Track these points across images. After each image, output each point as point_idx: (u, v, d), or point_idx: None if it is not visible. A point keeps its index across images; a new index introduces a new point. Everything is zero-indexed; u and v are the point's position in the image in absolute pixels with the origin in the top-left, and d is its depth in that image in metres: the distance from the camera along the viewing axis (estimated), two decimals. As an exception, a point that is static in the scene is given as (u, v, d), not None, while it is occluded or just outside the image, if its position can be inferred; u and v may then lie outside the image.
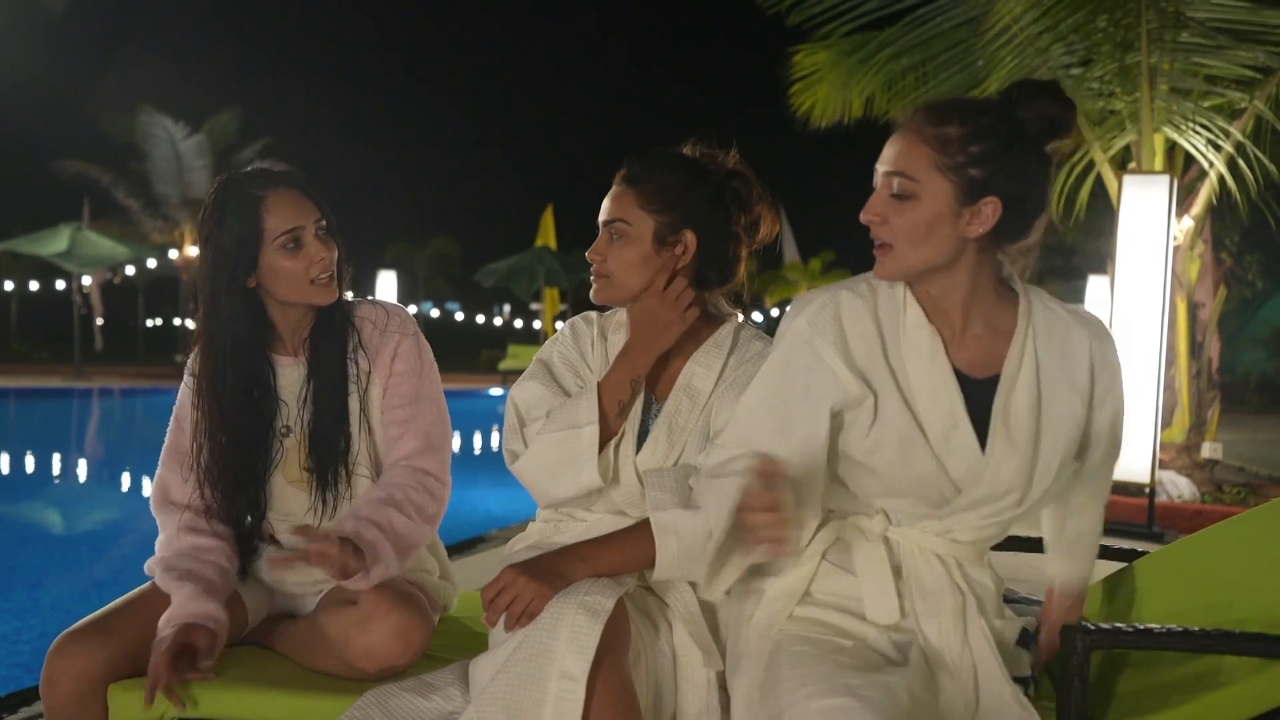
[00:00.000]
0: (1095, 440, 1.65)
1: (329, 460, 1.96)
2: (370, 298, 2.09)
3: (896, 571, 1.60)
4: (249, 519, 1.98)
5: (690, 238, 1.83)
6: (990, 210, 1.52)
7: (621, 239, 1.83)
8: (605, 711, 1.50)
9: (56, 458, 9.62)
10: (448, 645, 1.96)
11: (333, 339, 1.98)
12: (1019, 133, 1.52)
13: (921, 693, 1.45)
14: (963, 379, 1.58)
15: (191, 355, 2.00)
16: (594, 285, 1.88)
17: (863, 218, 1.56)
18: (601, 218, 1.87)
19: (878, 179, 1.56)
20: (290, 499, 1.98)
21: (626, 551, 1.69)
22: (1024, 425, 1.57)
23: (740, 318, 1.95)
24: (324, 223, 1.93)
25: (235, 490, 1.95)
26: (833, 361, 1.59)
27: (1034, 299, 1.62)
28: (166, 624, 1.78)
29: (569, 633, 1.51)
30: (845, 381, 1.59)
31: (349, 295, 2.07)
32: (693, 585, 1.76)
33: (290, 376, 1.98)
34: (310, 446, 1.96)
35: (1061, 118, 1.53)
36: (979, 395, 1.58)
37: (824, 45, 7.67)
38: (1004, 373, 1.58)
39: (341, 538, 1.76)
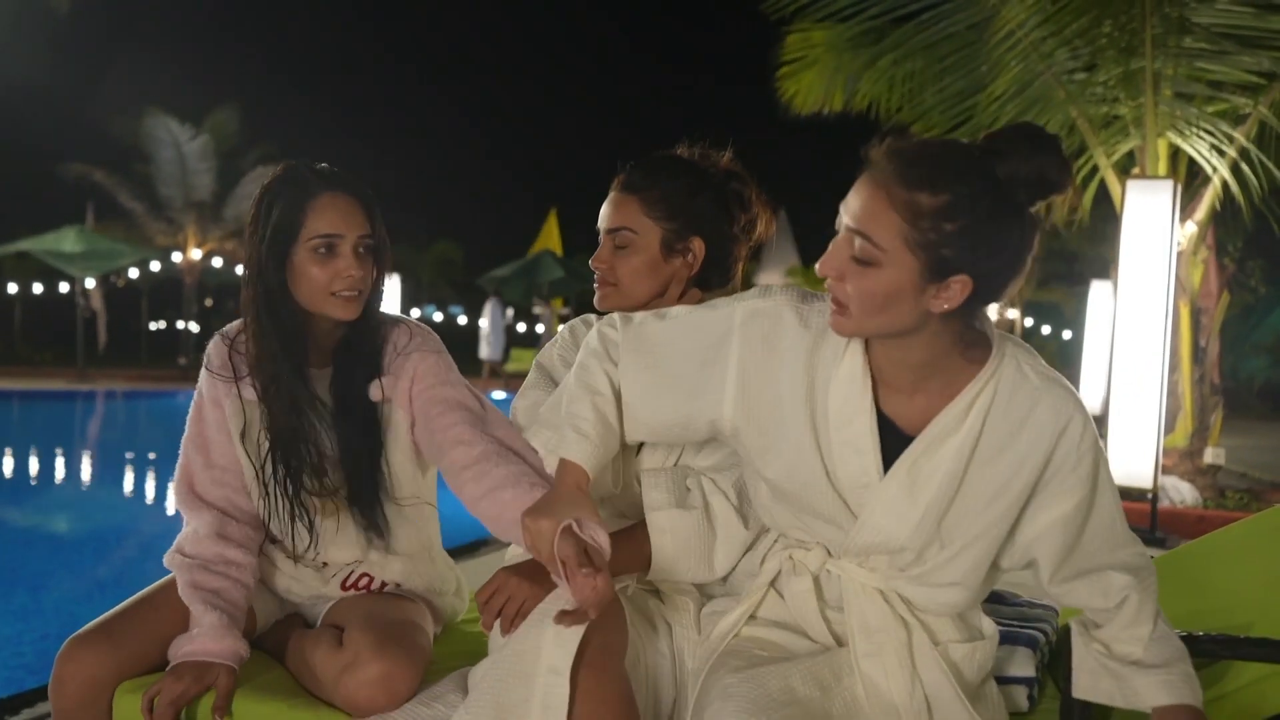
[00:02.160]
0: (1040, 546, 1.47)
1: (348, 484, 1.88)
2: (397, 316, 1.99)
3: (838, 607, 1.56)
4: (282, 531, 1.92)
5: (699, 245, 1.83)
6: (959, 288, 1.35)
7: (628, 248, 1.82)
8: (604, 711, 1.50)
9: (60, 460, 9.62)
10: (451, 653, 1.95)
11: (359, 358, 1.89)
12: (1002, 200, 1.32)
13: (802, 687, 1.45)
14: (894, 432, 1.47)
15: (212, 343, 1.94)
16: (599, 293, 1.87)
17: (819, 271, 1.39)
18: (603, 225, 1.85)
19: (840, 227, 1.39)
20: (316, 520, 1.91)
21: (622, 551, 1.69)
22: (932, 491, 1.44)
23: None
24: (370, 241, 1.84)
25: (266, 497, 1.89)
26: (731, 379, 1.53)
27: (1006, 360, 1.45)
28: (186, 650, 1.75)
29: (555, 629, 1.51)
30: (727, 402, 1.54)
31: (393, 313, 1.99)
32: (697, 587, 1.76)
33: (320, 391, 1.89)
34: (327, 467, 1.89)
35: (1056, 178, 1.33)
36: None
37: (820, 27, 7.64)
38: (929, 429, 1.44)
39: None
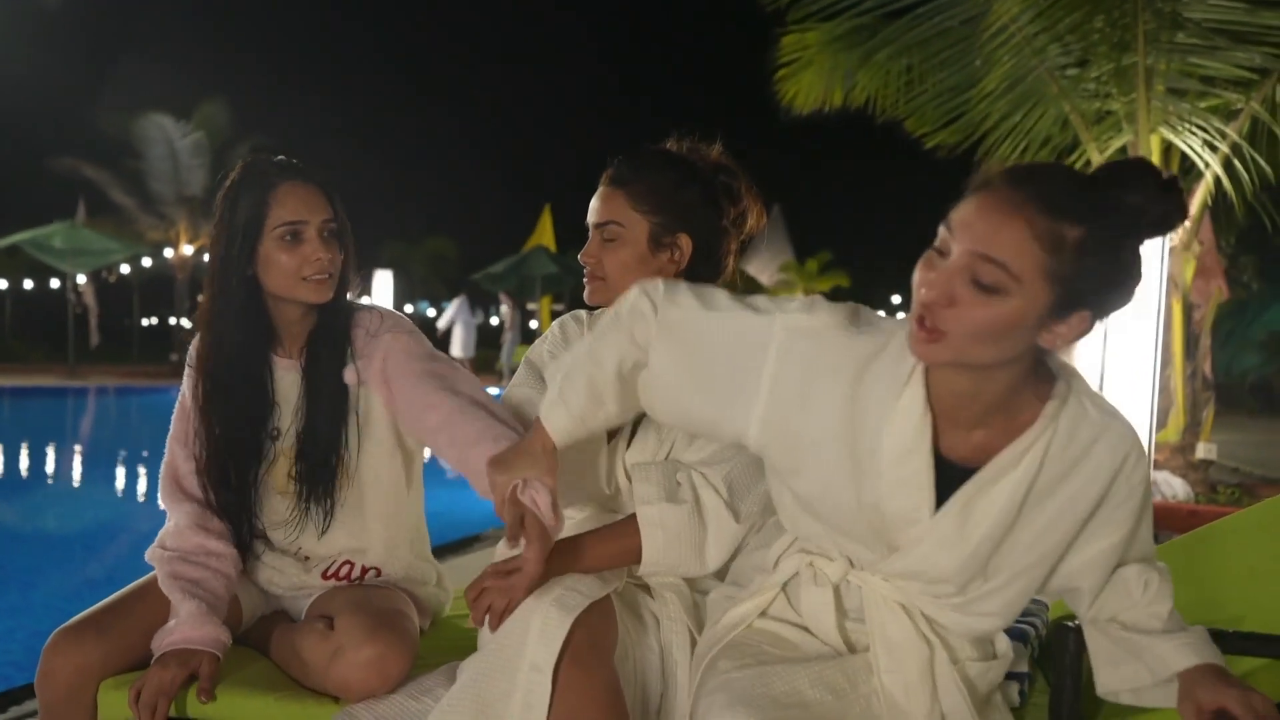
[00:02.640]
0: (1084, 575, 1.45)
1: (317, 472, 1.92)
2: (370, 304, 2.05)
3: (856, 619, 1.53)
4: (245, 517, 1.95)
5: (685, 241, 1.83)
6: (1078, 324, 1.30)
7: (615, 241, 1.82)
8: (589, 707, 1.49)
9: (51, 456, 9.60)
10: (439, 648, 1.95)
11: (331, 345, 1.93)
12: (1135, 238, 1.29)
13: (811, 690, 1.43)
14: (947, 466, 1.41)
15: (192, 343, 1.98)
16: (588, 288, 1.86)
17: (924, 295, 1.29)
18: (591, 220, 1.85)
19: (949, 247, 1.29)
20: (278, 507, 1.96)
21: (612, 546, 1.69)
22: (985, 528, 1.39)
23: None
24: (332, 225, 1.89)
25: (226, 487, 1.93)
26: (764, 394, 1.46)
27: (1070, 395, 1.39)
28: (169, 641, 1.76)
29: (540, 626, 1.51)
30: (754, 420, 1.47)
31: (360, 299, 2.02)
32: (687, 581, 1.76)
33: (285, 379, 1.95)
34: (299, 455, 1.92)
35: (1176, 219, 1.29)
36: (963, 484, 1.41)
37: (814, 28, 7.64)
38: (987, 469, 1.38)
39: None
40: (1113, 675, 1.48)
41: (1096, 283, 1.28)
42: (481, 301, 19.48)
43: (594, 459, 1.79)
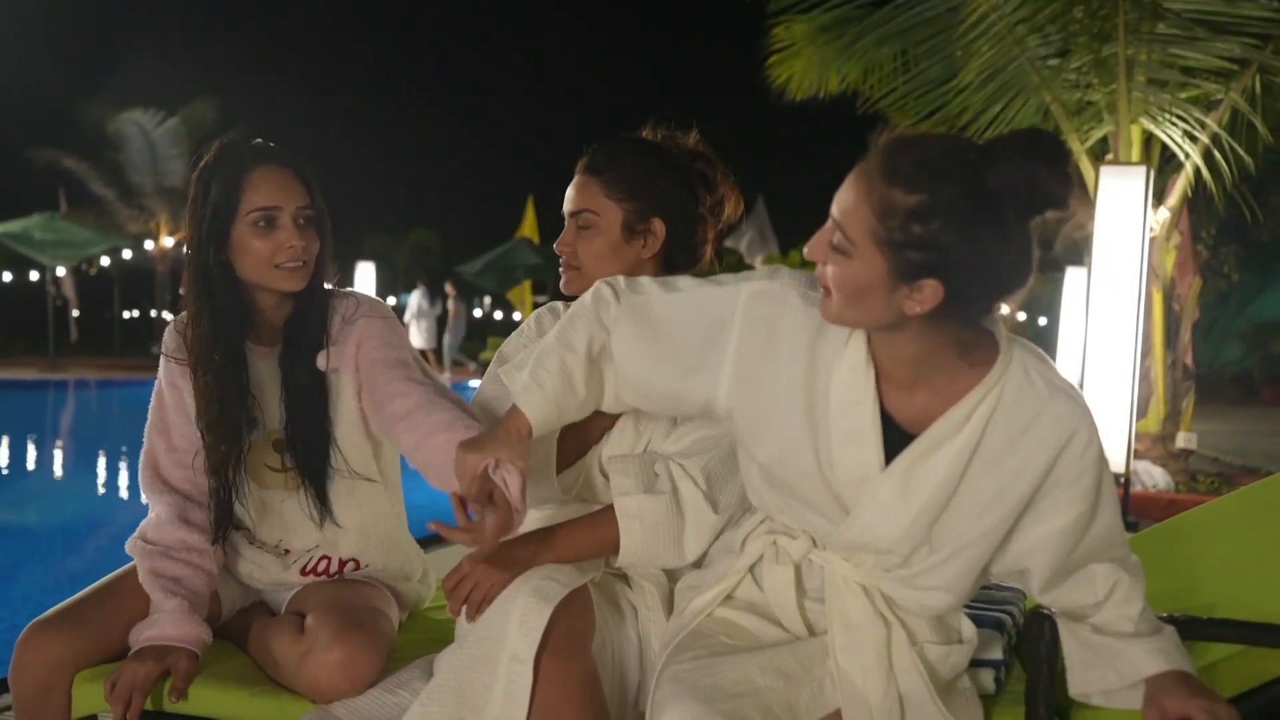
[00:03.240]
0: (1033, 557, 1.45)
1: (298, 462, 1.89)
2: (346, 290, 2.00)
3: (817, 598, 1.54)
4: (224, 510, 1.92)
5: (659, 225, 1.82)
6: (930, 292, 1.30)
7: (590, 229, 1.81)
8: (566, 698, 1.49)
9: (31, 449, 9.53)
10: (416, 641, 1.94)
11: (307, 334, 1.90)
12: (983, 209, 1.26)
13: (762, 677, 1.43)
14: (895, 429, 1.43)
15: (167, 330, 1.95)
16: (564, 277, 1.86)
17: (806, 253, 1.37)
18: (567, 209, 1.85)
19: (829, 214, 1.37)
20: (259, 497, 1.93)
21: (589, 537, 1.68)
22: (926, 495, 1.41)
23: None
24: (309, 211, 1.85)
25: (209, 477, 1.90)
26: (729, 360, 1.50)
27: (1014, 365, 1.40)
28: (147, 636, 1.75)
29: (520, 616, 1.51)
30: (722, 385, 1.50)
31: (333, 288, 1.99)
32: (665, 572, 1.75)
33: (261, 368, 1.91)
34: (276, 444, 1.91)
35: (1055, 191, 1.26)
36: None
37: (803, 18, 7.65)
38: (929, 432, 1.40)
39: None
40: (1083, 678, 1.48)
41: (935, 253, 1.27)
42: (463, 293, 19.39)
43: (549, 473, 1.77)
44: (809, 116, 8.28)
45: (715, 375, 1.51)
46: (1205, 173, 6.63)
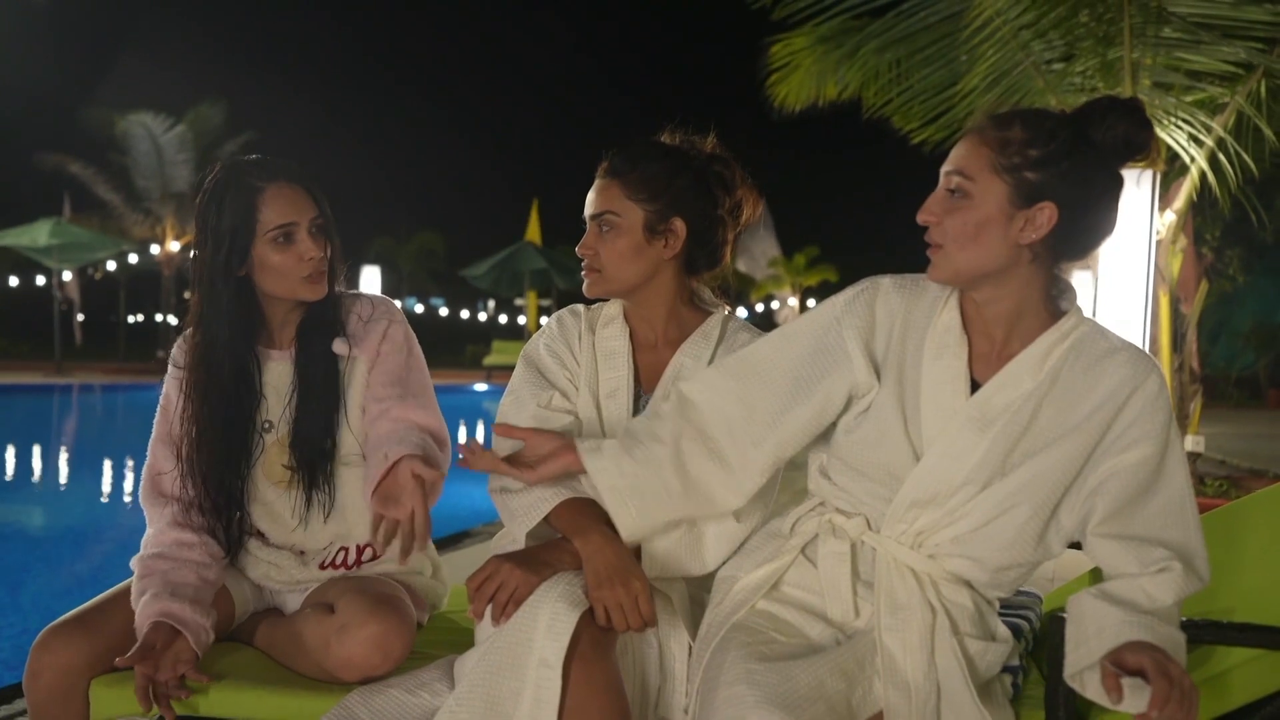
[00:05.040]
0: (1102, 491, 1.49)
1: (312, 460, 1.93)
2: (356, 291, 2.08)
3: (868, 582, 1.58)
4: (234, 513, 1.95)
5: (679, 225, 1.84)
6: (1045, 216, 1.47)
7: (612, 230, 1.83)
8: (592, 702, 1.50)
9: (36, 454, 9.54)
10: (435, 642, 1.95)
11: (322, 335, 1.95)
12: (1086, 144, 1.47)
13: (831, 680, 1.45)
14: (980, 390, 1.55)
15: (176, 344, 1.98)
16: (587, 280, 1.87)
17: (919, 217, 1.52)
18: (588, 212, 1.86)
19: (941, 179, 1.54)
20: (274, 498, 1.96)
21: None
22: (1001, 425, 1.51)
23: (727, 310, 1.95)
24: (320, 221, 1.91)
25: (216, 483, 1.92)
26: (852, 347, 1.60)
27: (1083, 323, 1.55)
28: (137, 629, 1.77)
29: (548, 621, 1.51)
30: (858, 368, 1.60)
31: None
32: (684, 579, 1.76)
33: (276, 371, 1.96)
34: (292, 444, 1.93)
35: (1137, 138, 1.48)
36: None
37: (800, 33, 7.67)
38: (1006, 368, 1.52)
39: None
40: (1073, 656, 1.42)
41: (1051, 173, 1.46)
42: (468, 297, 19.41)
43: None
44: (807, 122, 8.28)
45: (847, 365, 1.61)
46: (1210, 176, 6.63)
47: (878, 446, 1.57)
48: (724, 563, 1.72)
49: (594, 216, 1.85)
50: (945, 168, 1.52)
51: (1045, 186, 1.46)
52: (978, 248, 1.49)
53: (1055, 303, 1.56)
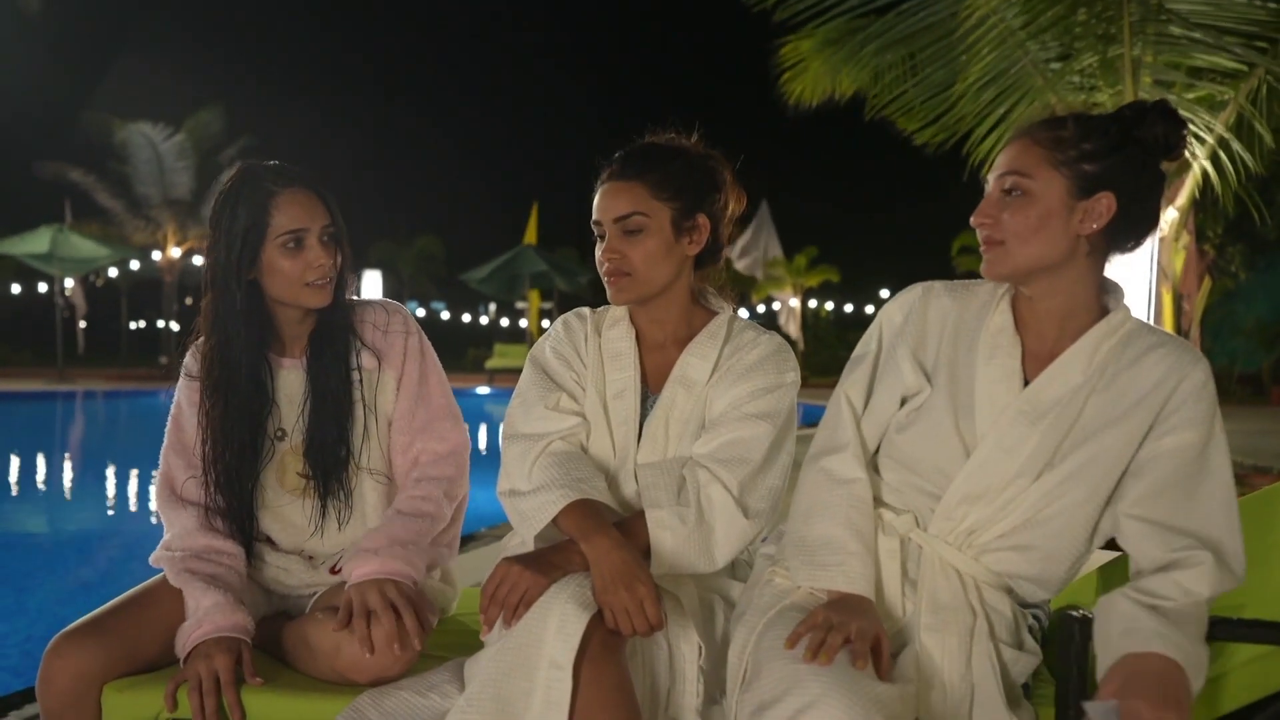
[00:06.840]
0: (1149, 470, 1.52)
1: (327, 468, 1.94)
2: (368, 298, 2.09)
3: (912, 580, 1.59)
4: (247, 518, 1.96)
5: (703, 220, 1.85)
6: (1104, 205, 1.52)
7: (641, 232, 1.80)
8: (602, 703, 1.50)
9: (40, 461, 9.55)
10: (445, 644, 1.95)
11: (333, 343, 1.97)
12: (1132, 140, 1.53)
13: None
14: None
15: (190, 351, 1.99)
16: (614, 286, 1.83)
17: (973, 220, 1.57)
18: (608, 216, 1.82)
19: (989, 187, 1.58)
20: (287, 506, 1.96)
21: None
22: (1051, 417, 1.54)
23: (731, 310, 1.95)
24: (332, 229, 1.92)
25: (229, 487, 1.93)
26: (903, 357, 1.65)
27: (1131, 319, 1.59)
28: (199, 634, 1.75)
29: (558, 622, 1.52)
30: (908, 375, 1.65)
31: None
32: (694, 581, 1.76)
33: (289, 380, 1.97)
34: (306, 452, 1.94)
35: (1174, 137, 1.54)
36: None
37: (806, 36, 7.69)
38: (1055, 363, 1.56)
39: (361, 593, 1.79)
40: (1103, 661, 1.43)
41: (1106, 164, 1.51)
42: (469, 300, 19.41)
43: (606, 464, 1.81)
44: (807, 122, 8.31)
45: (897, 375, 1.66)
46: (1212, 174, 6.63)
47: (929, 444, 1.60)
48: (730, 562, 1.72)
49: (619, 219, 1.81)
50: (996, 172, 1.57)
51: (1102, 177, 1.52)
52: (1040, 241, 1.53)
53: (1103, 301, 1.60)
